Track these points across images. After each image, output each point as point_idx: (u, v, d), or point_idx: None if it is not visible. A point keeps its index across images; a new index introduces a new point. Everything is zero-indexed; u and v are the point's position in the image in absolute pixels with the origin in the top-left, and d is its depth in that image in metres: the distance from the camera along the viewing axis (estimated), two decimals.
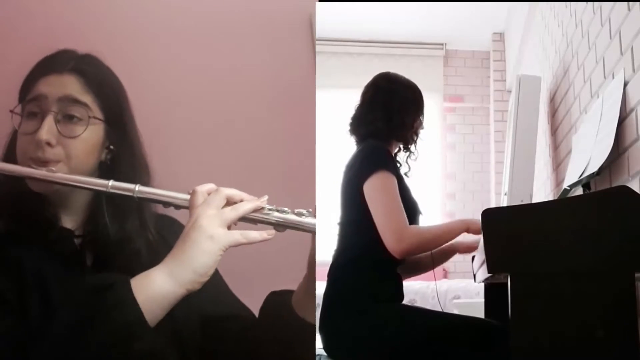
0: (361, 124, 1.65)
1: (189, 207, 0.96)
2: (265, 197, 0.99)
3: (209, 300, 1.10)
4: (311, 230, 0.99)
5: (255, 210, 0.97)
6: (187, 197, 0.97)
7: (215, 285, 1.10)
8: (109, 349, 0.82)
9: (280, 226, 0.98)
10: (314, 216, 0.99)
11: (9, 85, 1.06)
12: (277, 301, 1.06)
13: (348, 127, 1.69)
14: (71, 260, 1.02)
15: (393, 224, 1.45)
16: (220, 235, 0.91)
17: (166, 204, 1.00)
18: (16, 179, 1.00)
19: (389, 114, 1.62)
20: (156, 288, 0.87)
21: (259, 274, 1.16)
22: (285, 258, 1.14)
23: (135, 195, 0.99)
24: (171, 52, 1.63)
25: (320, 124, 1.69)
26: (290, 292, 1.06)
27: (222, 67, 1.66)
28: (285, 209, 0.99)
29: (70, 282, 0.95)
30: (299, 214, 0.99)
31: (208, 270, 0.91)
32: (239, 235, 0.93)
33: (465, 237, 1.59)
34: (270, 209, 0.98)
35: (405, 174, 1.68)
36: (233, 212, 0.94)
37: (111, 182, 0.99)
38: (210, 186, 0.97)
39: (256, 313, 1.12)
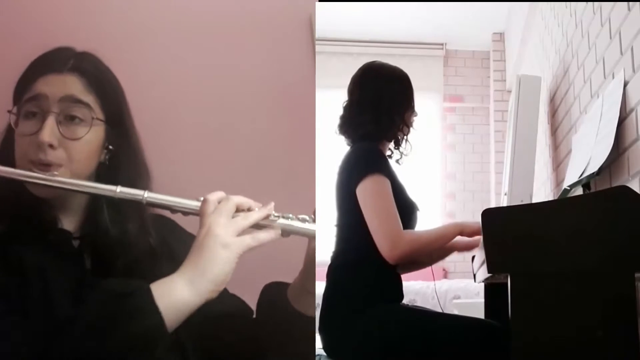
0: (351, 127, 1.59)
1: (199, 214, 0.96)
2: (272, 204, 1.01)
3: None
4: (311, 235, 1.03)
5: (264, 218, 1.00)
6: (197, 204, 0.97)
7: None
8: (128, 354, 0.83)
9: (284, 232, 1.01)
10: (314, 221, 1.03)
11: (4, 84, 1.04)
12: (273, 292, 1.09)
13: (337, 128, 1.63)
14: (70, 261, 1.02)
15: (387, 230, 1.43)
16: (234, 242, 0.93)
17: (174, 211, 1.00)
18: (14, 181, 0.97)
19: (378, 114, 1.56)
20: (177, 296, 0.88)
21: (258, 273, 1.17)
22: (283, 255, 1.14)
23: (144, 201, 0.98)
24: (171, 52, 1.62)
25: (320, 124, 1.69)
26: (286, 283, 1.08)
27: (222, 68, 1.65)
28: (290, 215, 1.02)
29: (91, 284, 0.95)
30: (303, 220, 1.02)
31: (225, 278, 0.92)
32: (250, 239, 0.95)
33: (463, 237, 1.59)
34: (276, 216, 1.01)
35: (397, 161, 1.64)
36: (245, 221, 0.96)
37: (119, 189, 0.98)
38: (220, 194, 0.98)
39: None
